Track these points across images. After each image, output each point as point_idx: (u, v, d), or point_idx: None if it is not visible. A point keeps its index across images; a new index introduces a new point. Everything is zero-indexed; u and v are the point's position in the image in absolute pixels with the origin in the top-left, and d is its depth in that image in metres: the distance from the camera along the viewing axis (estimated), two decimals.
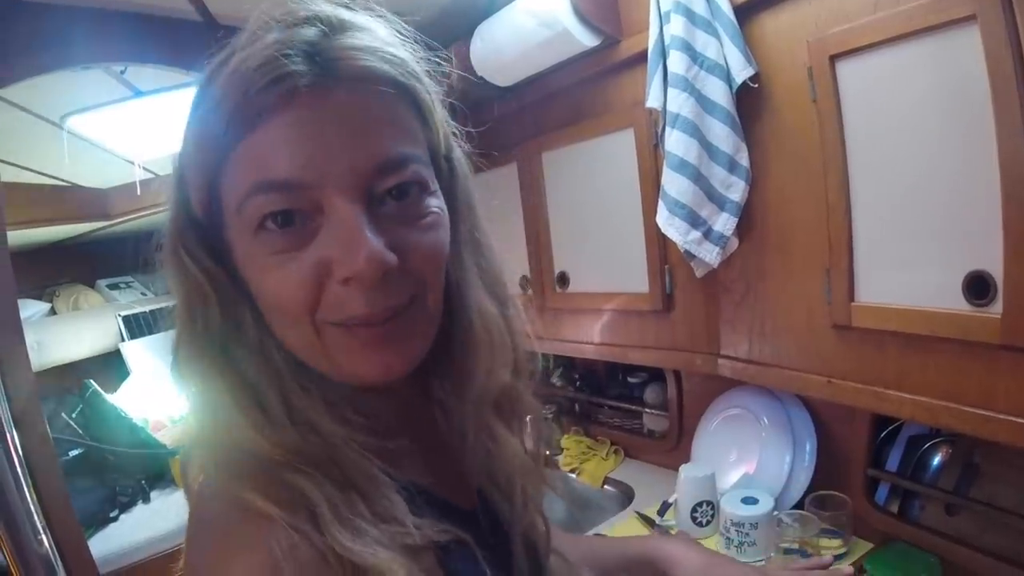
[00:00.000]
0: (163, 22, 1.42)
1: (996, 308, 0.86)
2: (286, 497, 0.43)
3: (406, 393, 0.58)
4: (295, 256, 0.45)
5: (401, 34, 0.52)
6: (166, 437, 2.16)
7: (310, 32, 0.45)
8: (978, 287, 0.88)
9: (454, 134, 0.58)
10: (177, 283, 0.50)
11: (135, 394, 2.27)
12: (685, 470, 1.38)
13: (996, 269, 0.85)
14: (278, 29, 0.46)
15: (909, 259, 0.98)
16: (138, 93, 1.68)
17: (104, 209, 2.28)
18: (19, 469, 1.30)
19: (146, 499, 2.06)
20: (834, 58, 1.01)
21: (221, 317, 0.49)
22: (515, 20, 1.39)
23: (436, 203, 0.51)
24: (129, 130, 1.87)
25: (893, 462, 1.21)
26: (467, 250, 0.58)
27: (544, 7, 1.32)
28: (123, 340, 2.46)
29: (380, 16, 0.51)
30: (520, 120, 1.69)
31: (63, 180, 2.18)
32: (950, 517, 1.15)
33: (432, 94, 0.53)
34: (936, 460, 1.16)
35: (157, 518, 1.95)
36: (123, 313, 2.50)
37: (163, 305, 2.63)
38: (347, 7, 0.49)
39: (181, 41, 1.43)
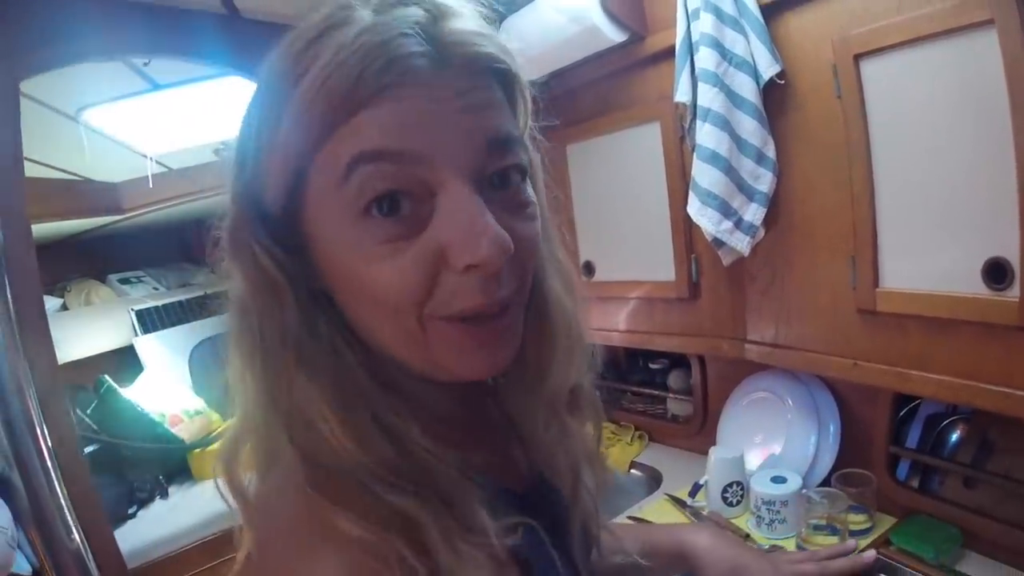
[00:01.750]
0: (187, 14, 1.50)
1: (1014, 292, 0.96)
2: (384, 518, 0.44)
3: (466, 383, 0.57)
4: (407, 245, 0.45)
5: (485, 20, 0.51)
6: (184, 431, 2.24)
7: (418, 13, 0.46)
8: (996, 273, 0.98)
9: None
10: (245, 278, 0.49)
11: (150, 389, 2.36)
12: (715, 452, 1.49)
13: (1014, 256, 0.95)
14: (375, 8, 0.46)
15: (931, 247, 1.08)
16: (156, 86, 1.75)
17: (116, 203, 2.35)
18: (50, 465, 1.36)
19: (164, 495, 2.13)
20: (858, 57, 1.10)
21: (298, 313, 0.49)
22: (544, 16, 1.49)
23: (531, 192, 0.52)
24: (144, 123, 1.95)
25: (912, 440, 1.31)
26: (545, 240, 0.57)
27: (574, 4, 1.42)
28: (136, 335, 2.53)
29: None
30: (545, 113, 1.77)
31: (76, 174, 2.26)
32: (968, 490, 1.25)
33: (524, 82, 0.54)
34: (953, 437, 1.26)
35: (176, 513, 2.02)
36: (136, 308, 2.57)
37: (176, 299, 2.70)
38: None
39: (205, 34, 1.51)
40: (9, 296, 1.29)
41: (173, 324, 2.66)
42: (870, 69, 1.11)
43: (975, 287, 1.01)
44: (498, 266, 0.45)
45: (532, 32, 1.53)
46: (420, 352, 0.49)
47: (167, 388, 2.37)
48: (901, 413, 1.34)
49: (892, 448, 1.35)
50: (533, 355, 0.58)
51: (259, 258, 0.48)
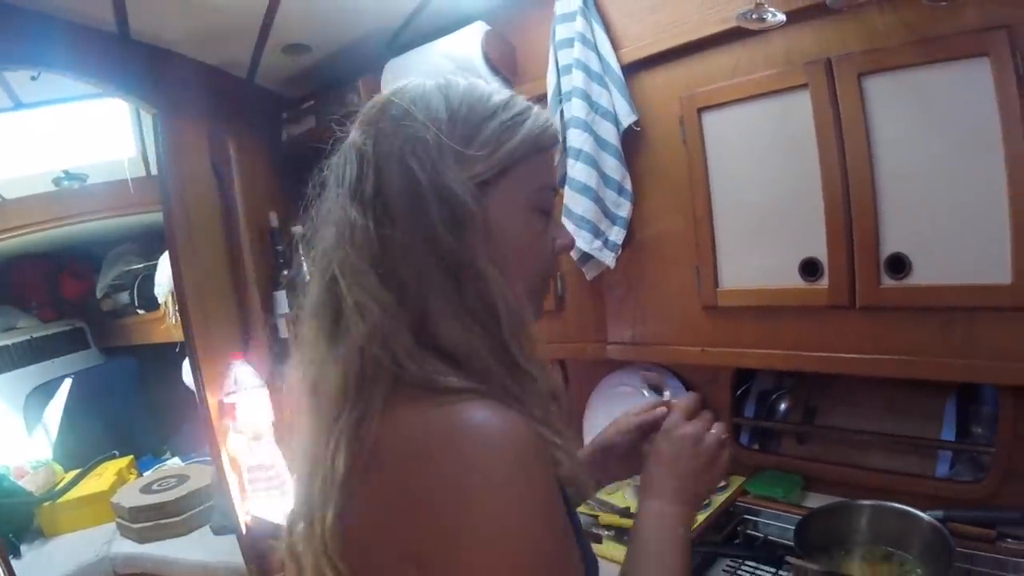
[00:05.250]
0: (78, 30, 1.42)
1: (823, 282, 1.25)
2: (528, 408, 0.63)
3: None
4: (545, 230, 0.74)
5: None
6: (30, 484, 1.98)
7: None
8: (810, 268, 1.27)
9: None
10: (452, 219, 0.64)
11: None
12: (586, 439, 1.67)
13: (822, 255, 1.25)
14: (527, 99, 0.74)
15: (758, 253, 1.36)
16: (19, 105, 1.62)
17: None
18: None
19: (17, 554, 1.85)
20: (700, 110, 1.37)
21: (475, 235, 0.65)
22: (432, 61, 1.61)
23: None
24: None
25: (749, 412, 1.60)
26: None
27: (461, 53, 1.56)
28: None
29: None
30: None
31: None
32: (802, 445, 1.54)
33: None
34: (782, 407, 1.56)
35: (34, 574, 1.78)
36: None
37: (3, 344, 2.39)
38: None
39: (94, 51, 1.44)
40: None
41: (2, 371, 2.34)
42: (710, 120, 1.38)
43: (794, 280, 1.30)
44: None
45: (419, 74, 1.64)
46: (538, 292, 0.75)
47: (5, 439, 2.09)
48: (738, 392, 1.62)
49: (735, 419, 1.61)
50: None
51: (467, 201, 0.65)
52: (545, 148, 0.73)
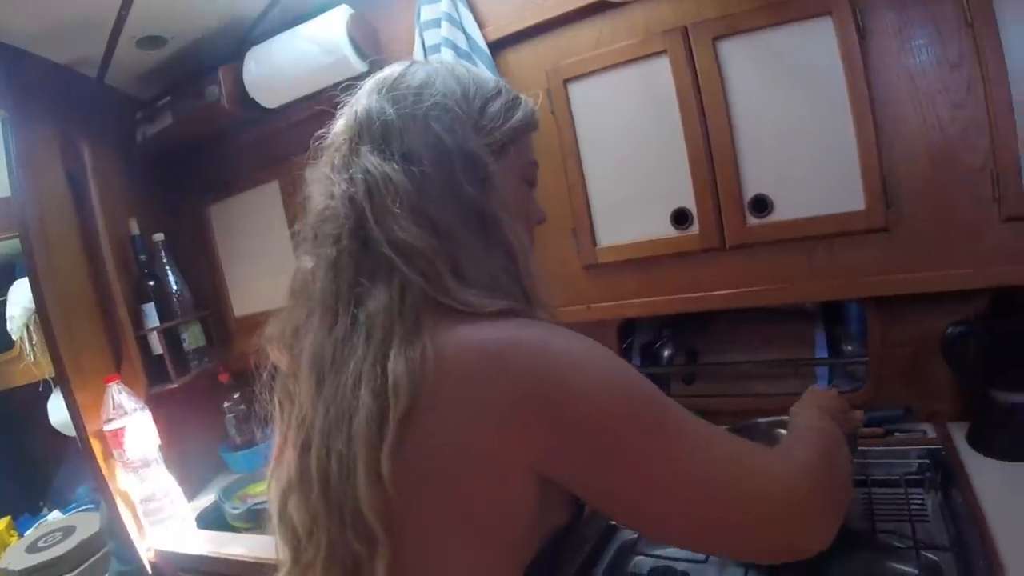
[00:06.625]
0: None
1: (694, 229, 1.36)
2: None
3: None
4: (531, 199, 0.87)
5: None
6: None
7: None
8: (681, 218, 1.37)
9: None
10: (474, 176, 0.73)
11: None
12: None
13: (691, 204, 1.36)
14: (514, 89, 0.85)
15: (632, 209, 1.44)
16: None
17: None
18: None
19: None
20: (567, 81, 1.44)
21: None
22: (296, 46, 1.57)
23: None
24: None
25: (635, 364, 1.69)
26: None
27: (327, 37, 1.53)
28: None
29: None
30: (284, 139, 1.79)
31: None
32: (690, 385, 1.66)
33: None
34: (666, 354, 1.67)
35: None
36: None
37: None
38: None
39: None
40: None
41: None
42: (576, 89, 1.45)
43: (667, 231, 1.40)
44: None
45: (283, 61, 1.59)
46: (527, 240, 0.80)
47: None
48: (623, 346, 1.71)
49: None
50: None
51: (487, 161, 0.75)
52: (533, 128, 0.85)
